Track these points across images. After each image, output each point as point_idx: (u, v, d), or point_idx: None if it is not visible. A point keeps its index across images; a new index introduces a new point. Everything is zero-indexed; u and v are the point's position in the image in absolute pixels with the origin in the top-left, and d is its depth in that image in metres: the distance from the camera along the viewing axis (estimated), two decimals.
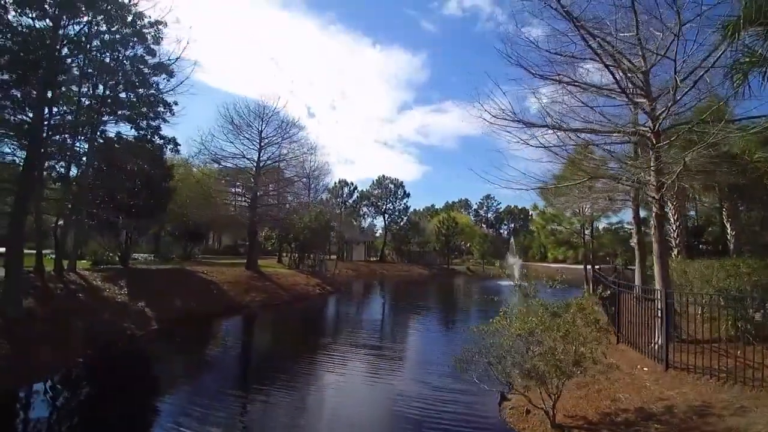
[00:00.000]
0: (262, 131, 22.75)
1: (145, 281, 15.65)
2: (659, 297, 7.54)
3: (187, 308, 14.82)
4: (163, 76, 14.85)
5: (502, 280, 36.49)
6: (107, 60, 14.01)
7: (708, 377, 5.93)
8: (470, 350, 5.80)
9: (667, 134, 7.86)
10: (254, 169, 22.75)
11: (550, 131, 9.61)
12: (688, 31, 7.30)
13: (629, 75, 8.02)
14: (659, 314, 7.64)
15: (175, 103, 15.53)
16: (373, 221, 52.13)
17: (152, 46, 14.44)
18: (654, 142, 7.95)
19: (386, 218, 47.01)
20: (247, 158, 22.67)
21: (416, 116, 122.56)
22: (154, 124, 15.97)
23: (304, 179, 25.23)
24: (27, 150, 10.62)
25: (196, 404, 6.89)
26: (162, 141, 16.59)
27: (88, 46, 13.19)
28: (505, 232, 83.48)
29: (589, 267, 18.45)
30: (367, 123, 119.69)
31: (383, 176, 47.74)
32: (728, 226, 14.11)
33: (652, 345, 7.71)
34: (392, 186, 47.36)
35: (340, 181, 45.53)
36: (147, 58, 14.52)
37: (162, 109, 15.50)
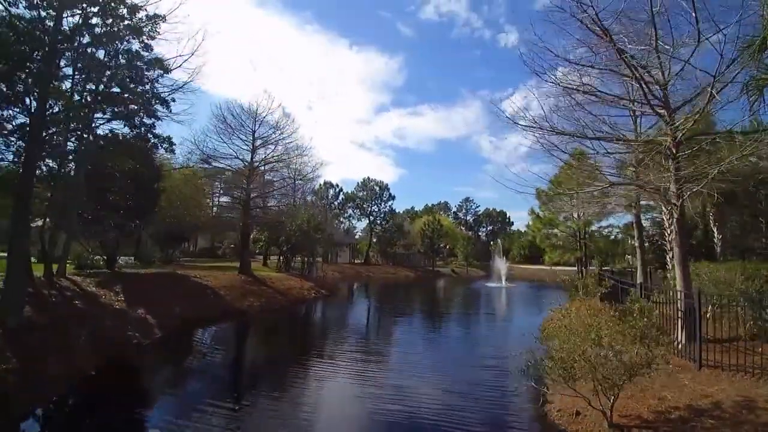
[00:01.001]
0: (255, 131, 22.20)
1: (140, 287, 14.89)
2: (682, 298, 7.99)
3: (187, 314, 14.21)
4: (159, 71, 14.31)
5: (491, 282, 37.43)
6: (100, 54, 13.30)
7: (743, 374, 6.32)
8: (526, 354, 5.91)
9: (687, 144, 8.32)
10: (247, 170, 22.15)
11: (571, 139, 10.02)
12: (707, 49, 7.83)
13: (651, 87, 8.44)
14: (680, 315, 8.10)
15: (173, 100, 14.91)
16: (353, 224, 51.89)
17: (147, 41, 13.84)
18: (674, 151, 8.42)
19: (371, 220, 46.92)
20: (240, 159, 22.06)
21: (393, 119, 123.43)
22: (148, 122, 15.31)
23: (299, 181, 24.80)
24: (26, 148, 9.89)
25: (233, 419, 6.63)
26: (156, 140, 15.91)
27: (80, 39, 12.47)
28: (484, 235, 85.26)
29: (583, 268, 19.18)
30: (344, 124, 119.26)
31: (368, 178, 47.78)
32: (715, 230, 15.11)
33: (675, 344, 8.12)
34: (377, 188, 47.35)
35: (325, 183, 45.06)
36: (143, 53, 13.92)
37: (158, 107, 14.84)
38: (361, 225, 51.62)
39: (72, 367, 8.12)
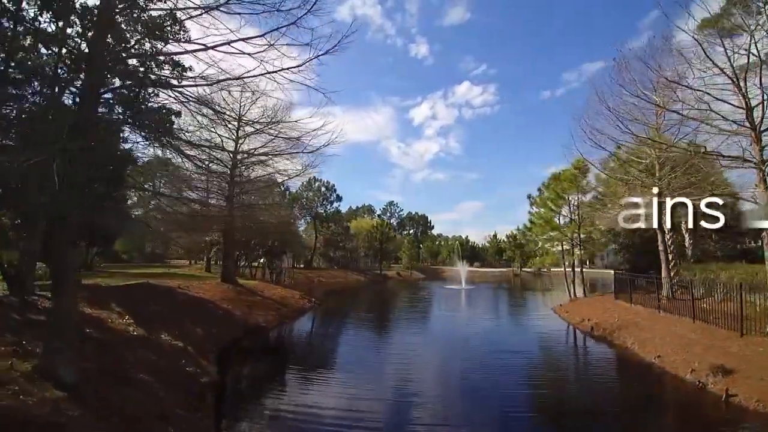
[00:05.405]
0: (240, 117, 18.98)
1: (134, 304, 11.34)
2: None
3: (211, 335, 11.40)
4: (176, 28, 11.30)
5: (452, 284, 38.61)
6: None
7: None
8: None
9: None
10: (231, 161, 18.82)
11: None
12: None
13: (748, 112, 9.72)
14: None
15: (191, 69, 11.86)
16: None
17: None
18: (762, 167, 9.80)
19: (317, 222, 44.38)
20: (222, 148, 18.55)
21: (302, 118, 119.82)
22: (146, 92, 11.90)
23: (294, 178, 22.13)
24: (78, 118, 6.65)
25: None
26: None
27: None
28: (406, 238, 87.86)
29: (574, 269, 21.15)
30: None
31: (314, 178, 45.01)
32: (687, 236, 18.16)
33: None
34: (324, 189, 45.14)
35: (266, 181, 40.99)
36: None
37: (167, 72, 11.67)
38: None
39: None
